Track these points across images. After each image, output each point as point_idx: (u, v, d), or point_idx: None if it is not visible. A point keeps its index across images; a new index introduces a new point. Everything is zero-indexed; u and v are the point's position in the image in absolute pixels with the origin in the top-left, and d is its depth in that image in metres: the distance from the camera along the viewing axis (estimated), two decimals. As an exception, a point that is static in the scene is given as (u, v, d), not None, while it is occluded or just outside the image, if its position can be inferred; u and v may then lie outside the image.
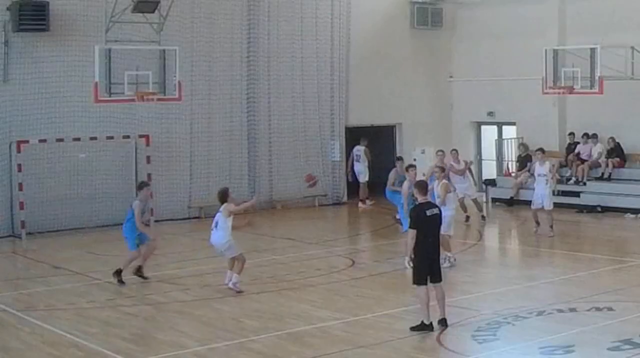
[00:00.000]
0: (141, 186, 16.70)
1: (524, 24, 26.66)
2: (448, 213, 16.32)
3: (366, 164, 26.23)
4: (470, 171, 23.23)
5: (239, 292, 14.98)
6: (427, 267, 12.29)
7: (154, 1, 20.36)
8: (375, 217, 24.34)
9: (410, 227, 12.38)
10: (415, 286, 12.43)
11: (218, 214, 15.22)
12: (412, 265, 12.65)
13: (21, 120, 21.94)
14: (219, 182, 24.62)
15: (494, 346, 11.78)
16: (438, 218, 12.47)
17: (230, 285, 15.12)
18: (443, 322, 12.46)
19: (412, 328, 12.35)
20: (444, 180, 17.30)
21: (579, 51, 23.08)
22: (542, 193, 20.22)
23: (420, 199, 12.55)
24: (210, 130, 24.81)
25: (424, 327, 12.29)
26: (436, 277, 12.44)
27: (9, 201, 21.86)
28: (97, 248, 19.62)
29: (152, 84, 20.37)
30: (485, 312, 13.52)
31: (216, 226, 15.14)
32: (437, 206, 12.78)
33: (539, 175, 20.24)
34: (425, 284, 12.31)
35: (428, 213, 12.31)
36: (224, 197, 15.20)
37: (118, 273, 16.03)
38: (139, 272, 16.22)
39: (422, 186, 12.79)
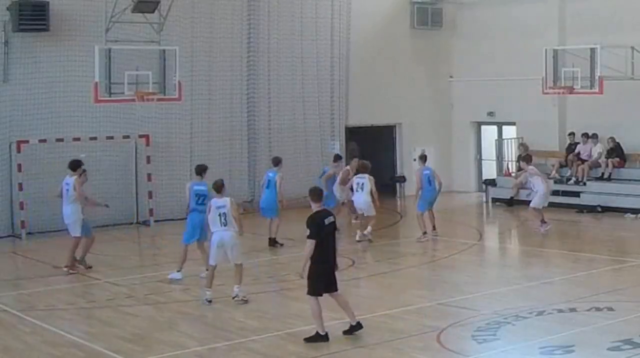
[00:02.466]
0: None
1: (524, 24, 26.65)
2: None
3: None
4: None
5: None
6: (325, 277, 12.00)
7: (154, 1, 20.36)
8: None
9: (310, 237, 11.93)
10: (308, 297, 12.08)
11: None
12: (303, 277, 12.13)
13: (21, 120, 21.96)
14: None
15: (494, 346, 11.76)
16: (333, 225, 12.20)
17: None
18: (358, 326, 12.22)
19: (306, 340, 12.00)
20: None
21: (579, 51, 23.09)
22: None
23: (315, 207, 12.20)
24: (210, 130, 24.80)
25: (318, 338, 12.00)
26: (333, 287, 12.14)
27: (9, 201, 21.87)
28: (97, 248, 19.59)
29: (152, 84, 20.37)
30: (485, 312, 13.50)
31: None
32: (332, 214, 12.42)
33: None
34: (320, 295, 12.03)
35: (326, 221, 12.07)
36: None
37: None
38: None
39: (316, 193, 12.37)
